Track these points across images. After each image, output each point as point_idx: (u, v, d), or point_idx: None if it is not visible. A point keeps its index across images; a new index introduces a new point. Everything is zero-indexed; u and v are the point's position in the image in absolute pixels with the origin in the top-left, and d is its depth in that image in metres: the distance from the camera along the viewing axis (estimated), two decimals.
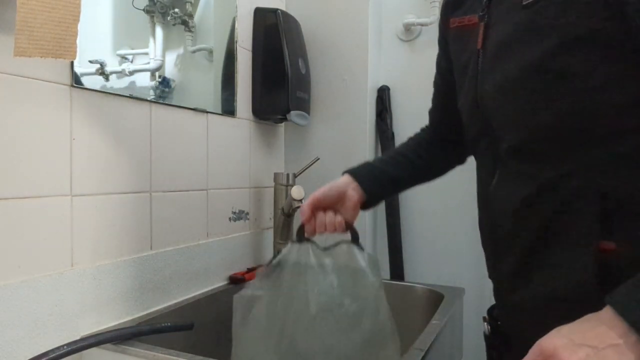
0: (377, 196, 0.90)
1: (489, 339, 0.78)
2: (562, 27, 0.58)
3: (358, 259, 0.82)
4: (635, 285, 0.50)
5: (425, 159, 0.93)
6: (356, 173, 0.88)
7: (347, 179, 0.87)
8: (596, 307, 0.50)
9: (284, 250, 0.80)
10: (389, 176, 0.90)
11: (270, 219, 1.45)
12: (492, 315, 0.79)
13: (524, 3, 0.62)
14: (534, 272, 0.65)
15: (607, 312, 0.49)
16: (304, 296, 0.76)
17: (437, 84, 0.93)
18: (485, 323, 0.78)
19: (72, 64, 0.86)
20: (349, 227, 0.85)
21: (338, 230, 0.85)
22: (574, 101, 0.58)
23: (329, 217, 0.84)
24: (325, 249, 0.83)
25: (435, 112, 0.95)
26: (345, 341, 0.76)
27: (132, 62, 1.01)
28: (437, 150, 0.93)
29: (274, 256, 0.80)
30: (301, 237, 0.83)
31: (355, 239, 0.85)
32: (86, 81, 0.89)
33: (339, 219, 0.85)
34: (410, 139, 0.97)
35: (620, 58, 0.56)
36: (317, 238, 0.85)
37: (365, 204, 0.88)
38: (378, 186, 0.89)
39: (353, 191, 0.86)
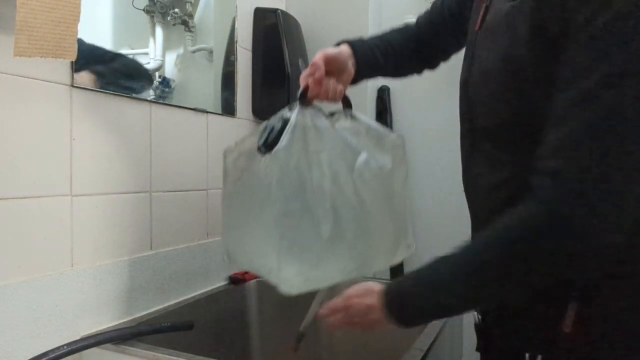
0: (362, 78, 0.89)
1: (477, 327, 0.79)
2: (526, 27, 0.59)
3: (369, 122, 0.82)
4: (407, 279, 0.65)
5: (406, 57, 0.93)
6: (357, 50, 0.86)
7: (348, 51, 0.85)
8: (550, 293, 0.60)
9: (294, 114, 0.75)
10: (378, 63, 0.89)
11: None
12: None
13: None
14: None
15: (379, 288, 0.67)
16: (337, 157, 0.73)
17: (436, 6, 0.94)
18: (476, 313, 0.79)
19: (72, 63, 0.85)
20: (344, 97, 0.84)
21: (337, 99, 0.84)
22: (528, 102, 0.59)
23: (332, 83, 0.82)
24: (331, 114, 0.80)
25: (422, 22, 0.95)
26: (380, 195, 0.76)
27: None
28: (417, 53, 0.94)
29: (285, 121, 0.73)
30: (305, 101, 0.78)
31: (350, 107, 0.84)
32: None
33: (340, 87, 0.83)
34: (398, 33, 0.95)
35: None
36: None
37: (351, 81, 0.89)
38: (368, 69, 0.89)
39: (352, 66, 0.85)
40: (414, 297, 0.64)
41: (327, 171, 0.72)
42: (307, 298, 0.91)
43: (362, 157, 0.76)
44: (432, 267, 0.63)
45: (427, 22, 0.94)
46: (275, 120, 0.75)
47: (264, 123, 0.77)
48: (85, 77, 0.88)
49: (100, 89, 0.92)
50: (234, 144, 0.82)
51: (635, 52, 0.49)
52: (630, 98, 0.49)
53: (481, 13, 0.72)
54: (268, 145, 0.72)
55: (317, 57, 0.80)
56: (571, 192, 0.51)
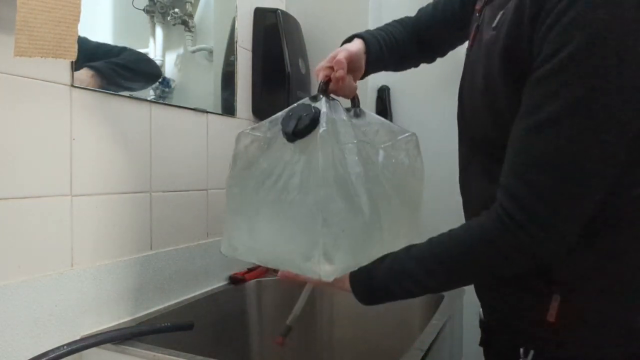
0: (367, 74, 0.89)
1: (481, 322, 0.81)
2: (500, 59, 0.62)
3: (381, 120, 0.84)
4: (374, 263, 0.72)
5: (408, 51, 0.94)
6: (370, 47, 0.86)
7: (363, 49, 0.85)
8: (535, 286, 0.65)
9: (323, 104, 0.75)
10: (384, 60, 0.90)
11: None
12: None
13: (493, 25, 0.66)
14: None
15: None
16: (363, 150, 0.75)
17: (439, 3, 0.94)
18: (481, 310, 0.81)
19: (72, 64, 0.85)
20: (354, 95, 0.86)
21: (351, 95, 0.86)
22: (506, 125, 0.62)
23: (349, 80, 0.83)
24: (347, 109, 0.82)
25: (424, 16, 0.95)
26: (401, 188, 0.80)
27: None
28: (417, 47, 0.94)
29: (315, 109, 0.74)
30: (327, 93, 0.79)
31: (359, 105, 0.86)
32: None
33: (354, 85, 0.85)
34: (400, 25, 0.95)
35: None
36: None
37: None
38: (375, 67, 0.89)
39: (364, 63, 0.86)
40: (375, 279, 0.71)
41: (360, 161, 0.74)
42: (309, 298, 0.91)
43: (382, 153, 0.79)
44: (396, 255, 0.71)
45: (429, 16, 0.94)
46: (300, 109, 0.75)
47: (285, 111, 0.77)
48: (84, 75, 0.88)
49: (100, 85, 0.92)
50: (250, 128, 0.82)
51: (579, 96, 0.55)
52: (570, 135, 0.56)
53: (473, 32, 0.74)
54: (297, 132, 0.73)
55: (340, 55, 0.80)
56: (521, 208, 0.58)
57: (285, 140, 0.75)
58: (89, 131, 0.90)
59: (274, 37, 1.38)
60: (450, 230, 0.67)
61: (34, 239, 0.81)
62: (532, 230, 0.58)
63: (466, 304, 1.24)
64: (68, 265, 0.87)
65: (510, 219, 0.59)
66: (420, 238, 0.75)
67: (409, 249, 0.70)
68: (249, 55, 1.39)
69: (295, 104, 0.77)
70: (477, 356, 0.83)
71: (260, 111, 1.40)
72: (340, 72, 0.79)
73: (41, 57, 0.72)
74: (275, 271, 1.39)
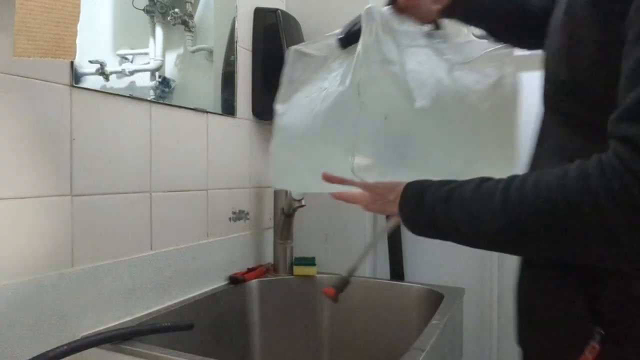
0: (452, 12, 0.77)
1: None
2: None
3: (471, 38, 0.75)
4: (440, 181, 0.60)
5: (517, 17, 0.80)
6: None
7: None
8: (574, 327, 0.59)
9: (381, 10, 0.69)
10: (484, 4, 0.77)
11: (270, 219, 1.45)
12: None
13: None
14: None
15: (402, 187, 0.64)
16: (432, 58, 0.68)
17: None
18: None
19: (72, 64, 0.86)
20: (435, 21, 0.77)
21: (429, 19, 0.76)
22: (583, 59, 0.55)
23: (426, 1, 0.74)
24: (429, 32, 0.75)
25: None
26: (481, 104, 0.69)
27: (132, 62, 1.01)
28: (522, 20, 0.80)
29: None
30: (396, 7, 0.72)
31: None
32: (86, 81, 0.90)
33: (432, 8, 0.75)
34: None
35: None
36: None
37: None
38: (462, 5, 0.77)
39: None
40: (426, 195, 0.60)
41: (424, 65, 0.65)
42: (309, 298, 0.91)
43: (459, 68, 0.70)
44: (465, 181, 0.58)
45: None
46: (358, 18, 0.70)
47: (349, 22, 0.73)
48: None
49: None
50: (302, 45, 0.76)
51: None
52: None
53: None
54: (349, 36, 0.68)
55: None
56: None
57: (338, 56, 0.69)
58: (89, 131, 0.90)
59: (274, 37, 1.38)
60: (537, 171, 0.53)
61: (34, 238, 0.81)
62: None
63: (466, 304, 1.24)
64: (68, 265, 0.87)
65: (625, 167, 0.45)
66: (510, 171, 0.62)
67: (481, 179, 0.57)
68: (249, 55, 1.39)
69: (356, 16, 0.72)
70: (477, 356, 0.83)
71: (260, 111, 1.40)
72: None
73: (40, 57, 0.72)
74: (276, 271, 1.40)
